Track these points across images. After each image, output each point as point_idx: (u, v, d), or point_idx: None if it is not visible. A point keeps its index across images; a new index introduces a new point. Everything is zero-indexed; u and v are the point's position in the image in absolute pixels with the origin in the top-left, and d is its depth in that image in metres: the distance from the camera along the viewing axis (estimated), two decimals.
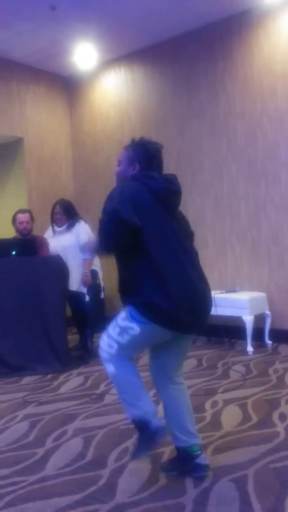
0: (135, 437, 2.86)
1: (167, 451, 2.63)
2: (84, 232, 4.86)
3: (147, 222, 2.20)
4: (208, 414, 3.18)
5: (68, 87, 6.82)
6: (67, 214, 4.95)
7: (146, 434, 2.25)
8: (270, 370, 4.11)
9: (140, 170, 2.38)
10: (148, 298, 2.20)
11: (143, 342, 2.35)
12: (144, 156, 2.40)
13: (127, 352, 2.32)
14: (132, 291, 2.29)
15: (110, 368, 2.34)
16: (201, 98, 5.55)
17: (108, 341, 2.33)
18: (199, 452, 2.39)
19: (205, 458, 2.40)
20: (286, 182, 4.96)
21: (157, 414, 2.30)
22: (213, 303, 2.45)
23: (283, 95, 4.98)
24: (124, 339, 2.28)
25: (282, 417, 3.08)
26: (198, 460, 2.37)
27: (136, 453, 2.34)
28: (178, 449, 2.42)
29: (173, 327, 2.23)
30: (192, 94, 5.63)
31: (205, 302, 2.32)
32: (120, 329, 2.29)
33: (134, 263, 2.26)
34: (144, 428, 2.26)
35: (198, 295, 2.27)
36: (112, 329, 2.33)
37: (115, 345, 2.30)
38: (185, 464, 2.38)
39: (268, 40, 5.05)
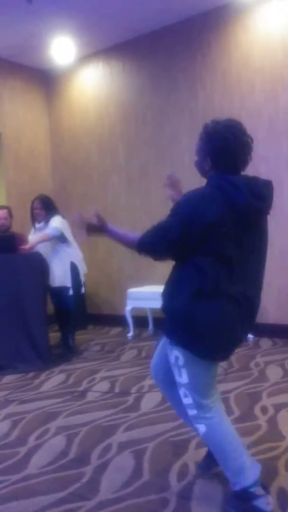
0: (117, 434, 2.85)
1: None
2: (53, 222, 4.73)
3: (214, 239, 1.88)
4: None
5: (46, 81, 6.75)
6: (46, 209, 4.89)
7: (244, 504, 1.94)
8: (252, 364, 4.15)
9: (215, 167, 1.98)
10: (188, 321, 1.93)
11: (202, 371, 1.99)
12: (220, 150, 1.95)
13: (203, 395, 1.99)
14: (167, 306, 2.02)
15: (199, 426, 2.02)
16: (180, 93, 5.55)
17: (181, 392, 2.03)
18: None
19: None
20: (264, 177, 4.97)
21: (267, 495, 1.97)
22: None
23: (261, 90, 5.01)
24: (184, 377, 1.98)
25: (263, 410, 3.11)
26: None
27: (228, 506, 2.03)
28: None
29: (204, 355, 1.96)
30: (171, 89, 5.62)
31: (248, 323, 2.04)
32: (176, 368, 2.00)
33: (178, 277, 1.99)
34: (246, 498, 1.94)
35: (238, 318, 1.97)
36: (176, 375, 2.03)
37: (187, 392, 2.00)
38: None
39: (246, 35, 5.07)
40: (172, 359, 2.00)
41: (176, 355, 1.97)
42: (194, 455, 2.52)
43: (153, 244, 1.96)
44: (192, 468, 2.40)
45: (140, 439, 2.77)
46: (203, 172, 2.06)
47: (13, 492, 2.28)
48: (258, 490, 1.95)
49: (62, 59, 6.17)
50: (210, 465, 2.27)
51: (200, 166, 2.06)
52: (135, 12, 5.18)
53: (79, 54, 6.18)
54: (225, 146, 1.94)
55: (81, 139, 6.48)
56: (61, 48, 5.86)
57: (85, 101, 6.41)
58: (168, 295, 2.02)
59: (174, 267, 2.04)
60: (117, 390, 3.70)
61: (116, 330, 5.94)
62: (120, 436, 2.84)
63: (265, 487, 2.03)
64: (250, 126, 5.64)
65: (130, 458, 2.56)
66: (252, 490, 1.94)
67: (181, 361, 1.97)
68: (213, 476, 2.30)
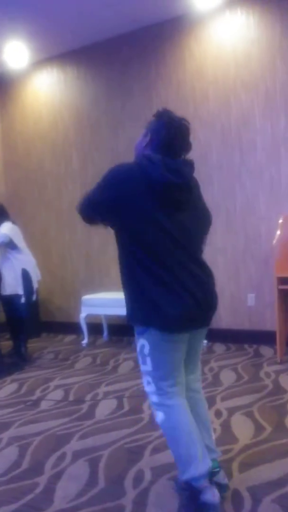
0: (72, 443, 2.81)
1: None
2: (2, 229, 4.59)
3: (133, 220, 1.92)
4: (146, 415, 3.19)
5: None
6: None
7: (195, 504, 1.98)
8: (206, 369, 4.20)
9: (151, 145, 2.03)
10: (139, 300, 1.98)
11: (166, 357, 2.01)
12: (160, 128, 2.02)
13: (166, 381, 2.02)
14: (127, 299, 2.06)
15: (158, 415, 2.05)
16: (135, 101, 5.59)
17: (144, 379, 2.08)
18: (218, 469, 2.15)
19: (224, 476, 2.18)
20: (217, 185, 5.09)
21: (211, 483, 2.00)
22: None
23: (214, 99, 5.12)
24: (148, 364, 2.03)
25: (218, 413, 3.15)
26: (217, 479, 2.12)
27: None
28: None
29: (174, 328, 1.97)
30: (126, 97, 5.65)
31: (205, 304, 2.03)
32: (140, 356, 2.06)
33: (126, 266, 2.04)
34: (193, 496, 1.99)
35: (197, 299, 1.98)
36: (140, 363, 2.09)
37: (149, 379, 2.04)
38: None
39: (199, 46, 5.17)
40: (138, 348, 2.05)
41: (142, 343, 2.02)
42: (149, 461, 2.52)
43: (83, 206, 2.04)
44: (147, 474, 2.39)
45: (95, 447, 2.74)
46: (138, 153, 2.10)
47: None
48: (205, 482, 1.97)
49: (15, 63, 6.08)
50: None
51: (138, 148, 2.11)
52: (91, 19, 5.18)
53: (33, 59, 6.11)
54: (162, 139, 2.02)
55: (35, 144, 6.39)
56: (14, 52, 5.78)
57: (38, 106, 6.34)
58: (124, 288, 2.07)
59: (119, 256, 2.07)
60: (71, 398, 3.65)
61: (70, 337, 5.87)
62: (74, 445, 2.80)
63: (211, 481, 2.04)
64: (204, 135, 5.77)
65: (85, 466, 2.52)
66: (198, 483, 1.97)
67: (146, 349, 2.01)
68: (168, 481, 2.30)
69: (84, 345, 5.38)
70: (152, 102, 5.47)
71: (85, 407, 3.42)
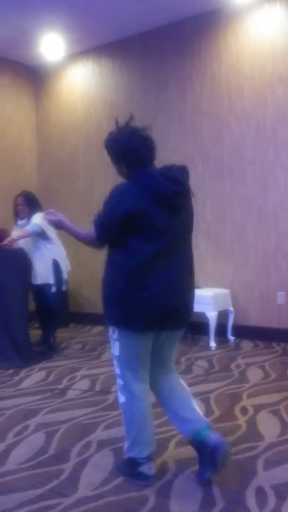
0: (97, 432, 2.85)
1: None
2: (34, 219, 4.69)
3: (136, 225, 2.13)
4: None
5: (34, 77, 6.71)
6: (29, 205, 4.83)
7: (132, 470, 2.28)
8: (233, 365, 4.17)
9: (129, 167, 2.23)
10: (114, 298, 2.21)
11: (131, 349, 2.22)
12: (124, 153, 2.22)
13: (132, 372, 2.23)
14: (104, 289, 2.28)
15: (120, 396, 2.29)
16: (169, 95, 5.57)
17: (114, 362, 2.31)
18: (207, 432, 2.23)
19: (217, 436, 2.22)
20: (251, 180, 5.04)
21: (150, 462, 2.27)
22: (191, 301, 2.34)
23: (249, 96, 5.05)
24: (116, 349, 2.26)
25: (243, 410, 3.13)
26: (201, 437, 2.22)
27: (118, 470, 2.36)
28: (192, 443, 2.28)
29: (136, 328, 2.18)
30: (160, 90, 5.64)
31: (177, 305, 2.21)
32: (112, 341, 2.28)
33: (113, 262, 2.25)
34: (131, 466, 2.28)
35: (169, 300, 2.17)
36: (111, 347, 2.31)
37: (117, 363, 2.28)
38: (204, 455, 2.20)
39: (236, 40, 5.11)
40: (110, 331, 2.28)
41: (113, 329, 2.25)
42: (173, 454, 2.52)
43: (101, 237, 2.24)
44: (171, 466, 2.40)
45: (119, 437, 2.75)
46: (125, 176, 2.28)
47: None
48: (145, 460, 2.25)
49: (51, 56, 6.14)
50: (203, 470, 2.21)
51: (120, 173, 2.30)
52: (128, 12, 5.18)
53: (69, 52, 6.16)
54: (126, 148, 2.21)
55: (68, 136, 6.45)
56: (51, 44, 5.83)
57: (73, 98, 6.39)
58: (104, 282, 2.28)
59: (107, 255, 2.30)
60: (97, 388, 3.69)
61: (97, 328, 5.92)
62: (100, 434, 2.83)
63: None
64: (238, 131, 5.72)
65: (110, 456, 2.55)
66: (139, 460, 2.24)
67: (115, 335, 2.24)
68: (192, 474, 2.31)
69: None
70: (187, 95, 5.44)
71: (110, 397, 3.45)
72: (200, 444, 2.21)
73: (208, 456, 2.17)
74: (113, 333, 2.26)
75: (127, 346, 2.23)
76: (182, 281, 2.24)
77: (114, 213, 2.14)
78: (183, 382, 2.42)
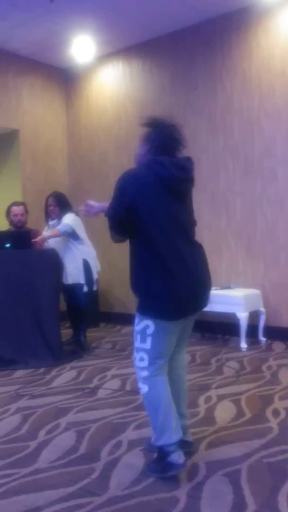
0: (128, 432, 2.85)
1: None
2: (65, 219, 4.74)
3: (146, 212, 2.22)
4: (202, 410, 3.18)
5: (65, 79, 6.78)
6: (60, 206, 4.89)
7: (162, 464, 2.29)
8: (264, 367, 4.12)
9: (151, 152, 2.32)
10: (148, 292, 2.27)
11: (166, 339, 2.31)
12: (156, 137, 2.33)
13: (159, 361, 2.31)
14: (134, 284, 2.35)
15: (143, 387, 2.34)
16: (199, 94, 5.54)
17: (137, 355, 2.35)
18: (187, 431, 2.50)
19: (191, 435, 2.54)
20: (282, 179, 4.96)
21: (178, 448, 2.30)
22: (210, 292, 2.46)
23: (281, 93, 4.98)
24: (148, 343, 2.29)
25: (275, 413, 3.08)
26: (185, 437, 2.44)
27: (149, 471, 2.35)
28: None
29: (173, 316, 2.27)
30: (190, 89, 5.61)
31: (202, 286, 2.35)
32: (140, 335, 2.32)
33: (136, 255, 2.33)
34: (162, 457, 2.30)
35: (195, 283, 2.30)
36: (135, 341, 2.35)
37: (145, 356, 2.31)
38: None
39: (267, 37, 5.04)
40: (139, 327, 2.31)
41: (147, 324, 2.28)
42: (204, 456, 2.51)
43: (110, 211, 2.31)
44: (202, 468, 2.38)
45: (150, 438, 2.75)
46: (140, 161, 2.37)
47: (22, 485, 2.29)
48: (174, 448, 2.28)
49: (81, 58, 6.20)
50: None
51: (139, 158, 2.39)
52: (157, 12, 5.18)
53: (99, 53, 6.20)
54: (159, 145, 2.33)
55: (99, 137, 6.50)
56: (81, 46, 5.89)
57: (103, 99, 6.43)
58: (131, 278, 2.36)
59: (130, 250, 2.36)
60: (128, 388, 3.70)
61: (127, 328, 5.94)
62: (130, 434, 2.84)
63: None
64: (269, 128, 5.64)
65: (140, 456, 2.55)
66: (168, 448, 2.27)
67: (150, 330, 2.28)
68: (222, 476, 2.29)
69: None
70: (217, 94, 5.40)
71: (141, 398, 3.45)
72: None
73: (163, 460, 2.32)
74: (146, 329, 2.29)
75: (161, 338, 2.29)
76: (202, 264, 2.36)
77: (125, 198, 2.24)
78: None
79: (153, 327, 2.27)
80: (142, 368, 2.33)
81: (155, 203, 2.23)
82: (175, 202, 2.28)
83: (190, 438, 2.54)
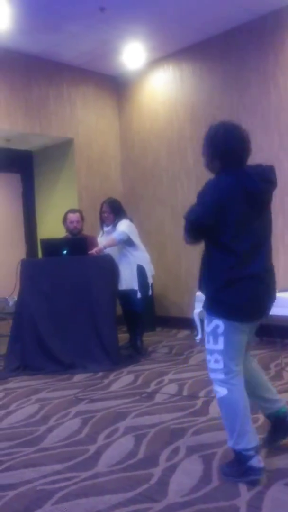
0: (186, 438, 2.83)
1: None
2: (121, 226, 4.78)
3: (229, 220, 2.26)
4: (262, 416, 3.10)
5: (117, 87, 6.87)
6: (114, 212, 4.95)
7: (241, 468, 2.28)
8: None
9: (224, 165, 2.32)
10: (218, 292, 2.33)
11: (237, 339, 2.34)
12: (224, 152, 2.31)
13: (234, 361, 2.33)
14: (206, 285, 2.40)
15: (220, 390, 2.35)
16: (252, 94, 5.44)
17: (211, 358, 2.36)
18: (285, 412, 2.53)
19: None
20: None
21: (259, 452, 2.32)
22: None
23: None
24: (220, 343, 2.31)
25: None
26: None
27: (226, 475, 2.35)
28: (268, 417, 2.58)
29: (242, 318, 2.33)
30: (242, 89, 5.53)
31: (269, 294, 2.42)
32: (211, 337, 2.34)
33: (211, 256, 2.38)
34: (242, 462, 2.29)
35: (264, 289, 2.37)
36: (207, 343, 2.37)
37: (219, 357, 2.32)
38: (279, 428, 2.54)
39: None
40: (209, 328, 2.34)
41: (217, 323, 2.31)
42: (266, 464, 2.44)
43: (190, 224, 2.36)
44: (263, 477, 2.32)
45: (209, 444, 2.73)
46: (213, 171, 2.39)
47: (83, 489, 2.32)
48: (253, 452, 2.26)
49: (132, 64, 6.26)
50: (275, 438, 2.56)
51: (209, 167, 2.40)
52: (206, 13, 5.15)
53: (150, 58, 6.24)
54: (227, 148, 2.30)
55: (151, 142, 6.53)
56: (132, 53, 5.95)
57: (155, 104, 6.46)
58: (203, 278, 2.41)
59: (204, 252, 2.42)
60: (185, 393, 3.68)
61: (184, 332, 5.92)
62: (188, 440, 2.82)
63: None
64: None
65: (199, 462, 2.53)
66: (248, 452, 2.25)
67: (221, 329, 2.30)
68: (285, 486, 2.22)
69: (197, 340, 5.39)
70: (270, 93, 5.28)
71: (199, 403, 3.43)
72: (278, 419, 2.53)
73: (284, 427, 2.52)
74: (216, 328, 2.32)
75: (233, 337, 2.32)
76: (271, 273, 2.44)
77: (210, 204, 2.27)
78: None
79: (223, 326, 2.30)
80: (218, 370, 2.34)
81: (237, 213, 2.26)
82: (255, 215, 2.32)
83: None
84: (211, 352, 2.35)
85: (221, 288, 2.31)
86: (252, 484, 2.24)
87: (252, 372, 2.52)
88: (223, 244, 2.30)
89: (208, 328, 2.36)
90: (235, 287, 2.28)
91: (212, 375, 2.38)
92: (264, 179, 2.31)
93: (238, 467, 2.29)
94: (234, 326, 2.31)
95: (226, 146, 2.30)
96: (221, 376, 2.33)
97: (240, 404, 2.30)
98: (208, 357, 2.37)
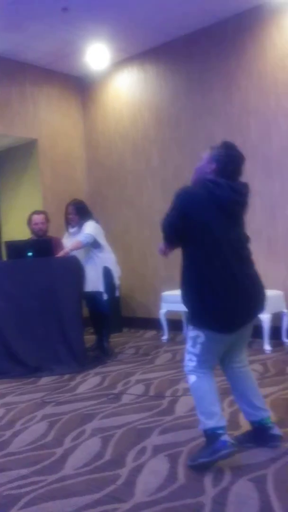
0: (152, 437, 2.86)
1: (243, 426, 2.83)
2: (86, 228, 4.76)
3: (199, 223, 2.41)
4: (226, 414, 3.16)
5: (81, 87, 6.85)
6: (80, 214, 4.93)
7: (212, 447, 2.41)
8: None
9: (215, 172, 2.48)
10: (197, 305, 2.47)
11: (216, 347, 2.51)
12: (225, 158, 2.49)
13: (207, 363, 2.52)
14: (185, 298, 2.54)
15: (190, 378, 2.53)
16: (215, 96, 5.53)
17: (187, 356, 2.55)
18: (271, 424, 2.62)
19: (278, 429, 2.62)
20: None
21: (226, 431, 2.45)
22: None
23: None
24: (197, 349, 2.49)
25: None
26: (272, 431, 2.59)
27: (196, 459, 2.45)
28: (252, 423, 2.64)
29: (225, 330, 2.45)
30: (205, 91, 5.61)
31: (252, 300, 2.51)
32: (192, 341, 2.52)
33: (187, 270, 2.51)
34: (212, 440, 2.41)
35: (245, 297, 2.45)
36: (187, 343, 2.55)
37: (194, 358, 2.51)
38: (260, 435, 2.61)
39: (281, 35, 5.00)
40: (191, 334, 2.51)
41: (197, 333, 2.47)
42: (229, 461, 2.49)
43: (165, 224, 2.53)
44: (227, 474, 2.37)
45: (175, 443, 2.77)
46: (200, 174, 2.55)
47: (50, 492, 2.32)
48: (223, 431, 2.42)
49: (97, 65, 6.25)
50: (250, 441, 2.63)
51: (200, 172, 2.55)
52: (169, 16, 5.20)
53: (114, 60, 6.24)
54: (225, 167, 2.49)
55: (116, 143, 6.54)
56: (96, 54, 5.94)
57: (119, 105, 6.47)
58: (182, 291, 2.56)
59: (182, 265, 2.54)
60: (151, 393, 3.71)
61: (150, 333, 5.95)
62: (155, 439, 2.85)
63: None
64: (286, 128, 5.57)
65: (165, 461, 2.56)
66: (218, 431, 2.40)
67: (201, 339, 2.47)
68: (248, 482, 2.28)
69: (164, 341, 5.44)
70: (232, 95, 5.38)
71: (165, 402, 3.46)
72: (261, 427, 2.60)
73: (265, 437, 2.59)
74: (196, 338, 2.48)
75: (212, 346, 2.48)
76: (253, 279, 2.52)
77: (179, 208, 2.45)
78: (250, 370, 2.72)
79: (203, 338, 2.46)
80: (191, 366, 2.53)
81: (207, 217, 2.41)
82: (226, 221, 2.44)
83: (277, 431, 2.62)
84: (188, 352, 2.54)
85: (200, 301, 2.44)
86: (224, 457, 2.38)
87: (244, 375, 2.65)
88: (199, 256, 2.44)
89: (190, 333, 2.53)
90: (214, 299, 2.41)
91: (185, 368, 2.57)
92: (234, 189, 2.45)
93: (208, 448, 2.41)
94: (215, 337, 2.45)
95: (223, 166, 2.48)
96: (192, 367, 2.52)
97: (208, 388, 2.49)
98: (185, 355, 2.56)
